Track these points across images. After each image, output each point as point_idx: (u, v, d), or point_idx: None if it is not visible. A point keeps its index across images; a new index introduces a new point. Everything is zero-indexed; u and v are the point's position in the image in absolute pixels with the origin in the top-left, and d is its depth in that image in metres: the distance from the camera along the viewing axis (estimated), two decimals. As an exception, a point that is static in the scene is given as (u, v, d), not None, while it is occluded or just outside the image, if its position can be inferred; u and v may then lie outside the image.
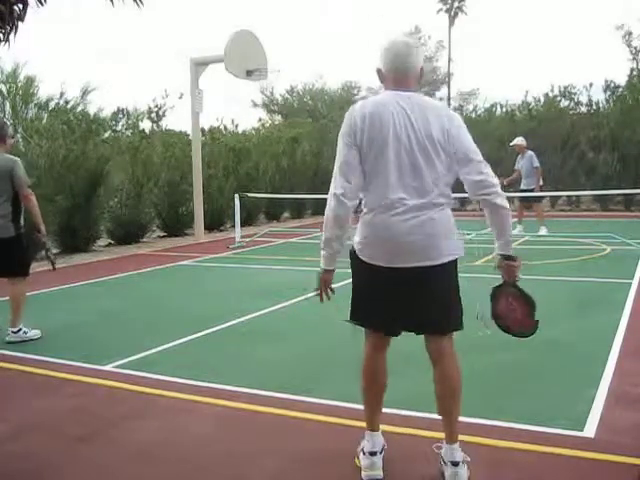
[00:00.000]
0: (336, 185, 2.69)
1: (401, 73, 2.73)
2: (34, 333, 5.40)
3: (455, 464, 2.74)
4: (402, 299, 2.73)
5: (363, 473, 2.85)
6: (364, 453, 2.89)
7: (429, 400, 3.74)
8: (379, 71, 2.80)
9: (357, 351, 4.79)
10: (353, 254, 2.81)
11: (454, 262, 2.78)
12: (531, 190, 11.93)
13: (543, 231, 11.78)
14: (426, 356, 4.60)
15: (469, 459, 2.81)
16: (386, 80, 2.78)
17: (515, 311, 2.88)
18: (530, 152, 12.16)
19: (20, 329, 5.32)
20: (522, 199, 12.22)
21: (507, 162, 18.51)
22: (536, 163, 12.05)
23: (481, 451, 3.08)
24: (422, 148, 2.64)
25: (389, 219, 2.65)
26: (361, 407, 3.36)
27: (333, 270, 2.83)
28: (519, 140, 12.39)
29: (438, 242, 2.68)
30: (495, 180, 2.70)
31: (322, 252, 2.81)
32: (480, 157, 2.70)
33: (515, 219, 12.73)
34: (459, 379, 2.87)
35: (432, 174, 2.66)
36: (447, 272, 2.76)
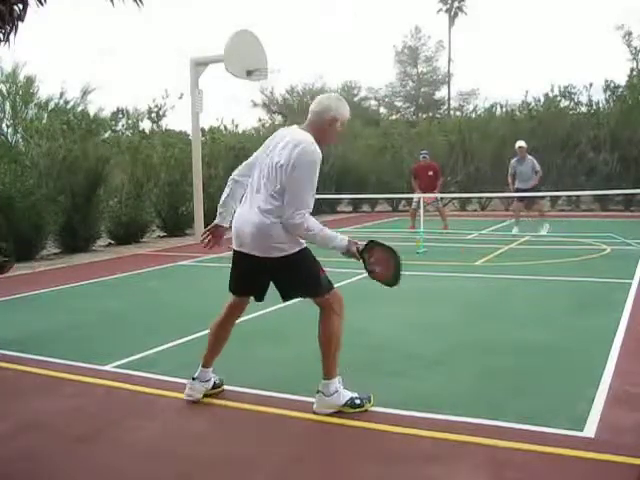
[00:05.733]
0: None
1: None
2: None
3: (317, 392, 3.58)
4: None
5: (185, 392, 3.81)
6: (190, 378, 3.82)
7: (429, 400, 3.75)
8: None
9: (357, 351, 4.80)
10: None
11: (295, 254, 3.49)
12: (531, 189, 11.90)
13: (545, 230, 11.78)
14: (426, 357, 4.61)
15: (342, 399, 3.55)
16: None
17: (378, 265, 3.52)
18: (530, 157, 12.16)
19: None
20: (520, 199, 12.21)
21: (506, 161, 18.60)
22: (537, 167, 12.09)
23: (481, 451, 3.08)
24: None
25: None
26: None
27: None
28: (524, 143, 12.31)
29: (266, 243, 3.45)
30: None
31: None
32: None
33: (512, 219, 12.74)
34: (326, 335, 3.56)
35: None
36: (279, 264, 3.49)
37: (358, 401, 3.59)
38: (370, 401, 3.63)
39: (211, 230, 3.83)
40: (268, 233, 3.43)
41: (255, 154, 3.70)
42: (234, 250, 3.64)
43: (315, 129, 3.53)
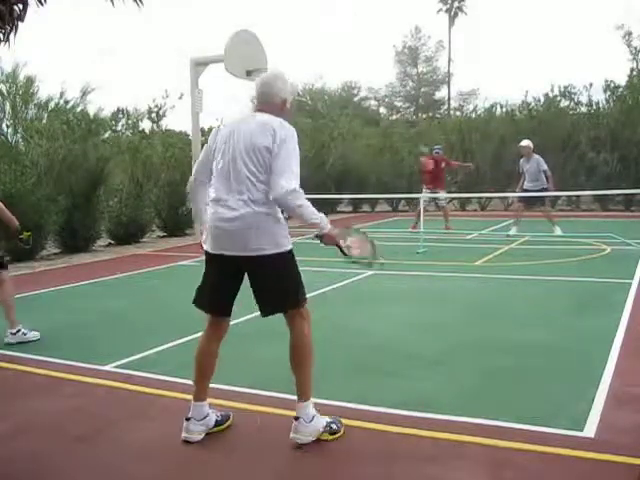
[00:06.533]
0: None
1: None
2: (33, 335, 5.34)
3: (296, 418, 3.24)
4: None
5: (182, 435, 3.31)
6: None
7: (429, 400, 3.75)
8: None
9: (356, 351, 4.80)
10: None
11: (279, 254, 3.19)
12: (539, 191, 11.86)
13: (557, 231, 11.71)
14: (426, 357, 4.61)
15: (320, 423, 3.25)
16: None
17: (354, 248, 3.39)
18: (537, 156, 12.13)
19: (19, 330, 5.29)
20: (521, 199, 12.19)
21: (506, 161, 18.61)
22: (544, 166, 12.02)
23: (481, 451, 3.09)
24: None
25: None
26: (362, 407, 3.65)
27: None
28: (528, 142, 12.32)
29: (249, 236, 3.13)
30: None
31: None
32: None
33: (512, 219, 12.72)
34: (300, 347, 3.38)
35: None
36: (269, 263, 3.18)
37: (334, 426, 3.31)
38: (342, 423, 3.36)
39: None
40: (262, 225, 3.12)
41: (205, 152, 3.34)
42: (212, 255, 3.25)
43: (269, 113, 3.28)
